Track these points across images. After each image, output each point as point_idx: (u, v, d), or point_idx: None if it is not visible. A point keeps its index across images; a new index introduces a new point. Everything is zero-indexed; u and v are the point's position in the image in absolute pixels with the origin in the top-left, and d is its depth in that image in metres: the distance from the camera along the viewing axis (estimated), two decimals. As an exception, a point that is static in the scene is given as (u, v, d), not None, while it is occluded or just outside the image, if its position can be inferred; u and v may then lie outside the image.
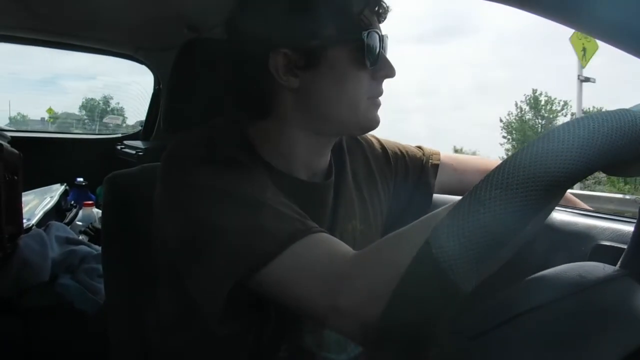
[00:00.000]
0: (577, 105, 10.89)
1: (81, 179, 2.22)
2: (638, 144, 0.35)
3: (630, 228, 0.78)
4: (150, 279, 0.85)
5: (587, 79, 10.52)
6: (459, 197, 0.35)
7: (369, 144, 1.00)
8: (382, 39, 0.78)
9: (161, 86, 2.37)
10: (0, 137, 1.77)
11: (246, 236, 0.65)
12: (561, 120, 23.92)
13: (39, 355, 1.49)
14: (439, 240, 0.32)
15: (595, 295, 0.43)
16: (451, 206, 0.35)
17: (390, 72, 0.79)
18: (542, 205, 0.32)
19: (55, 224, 1.74)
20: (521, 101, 25.21)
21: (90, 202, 2.04)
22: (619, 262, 0.49)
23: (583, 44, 9.82)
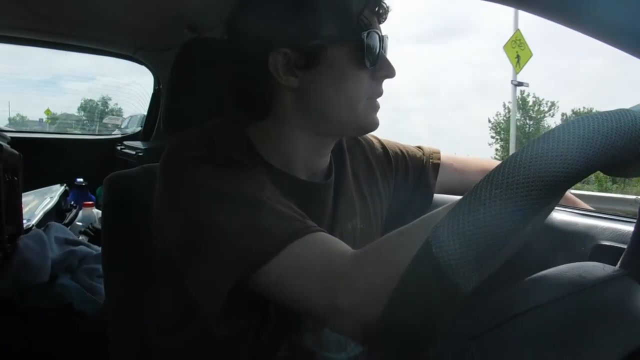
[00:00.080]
0: (513, 107, 11.87)
1: (81, 180, 2.22)
2: (638, 144, 0.35)
3: (630, 228, 0.78)
4: (150, 279, 0.85)
5: (520, 84, 11.30)
6: (459, 197, 0.35)
7: (369, 143, 1.00)
8: (382, 39, 0.78)
9: (161, 86, 2.37)
10: (0, 137, 1.77)
11: (245, 236, 0.65)
12: (549, 120, 24.78)
13: (39, 355, 1.49)
14: (439, 240, 0.32)
15: (595, 295, 0.43)
16: (451, 206, 0.35)
17: (390, 72, 0.79)
18: (543, 204, 0.32)
19: (54, 224, 1.74)
20: (509, 102, 25.41)
21: (90, 202, 2.05)
22: (619, 262, 0.49)
23: (517, 52, 10.19)
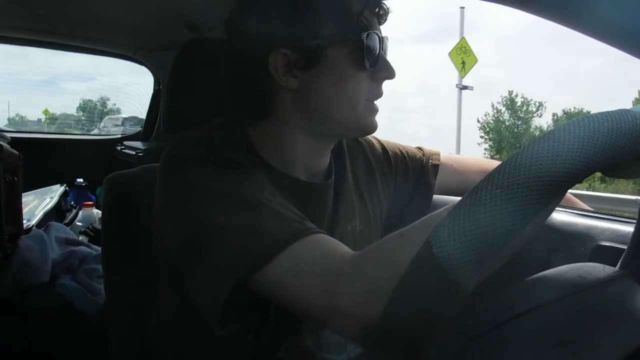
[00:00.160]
0: (457, 110, 12.27)
1: (81, 180, 2.22)
2: (638, 144, 0.35)
3: (630, 228, 0.78)
4: (150, 279, 0.85)
5: (465, 87, 11.98)
6: (459, 198, 0.35)
7: (369, 144, 1.00)
8: (382, 40, 0.77)
9: (161, 87, 2.37)
10: (0, 137, 1.77)
11: (245, 236, 0.65)
12: (537, 120, 25.19)
13: (39, 355, 1.49)
14: (439, 240, 0.32)
15: (595, 296, 0.43)
16: (452, 206, 0.35)
17: (389, 74, 0.79)
18: (543, 205, 0.32)
19: (55, 224, 1.74)
20: (497, 102, 26.19)
21: (90, 202, 2.05)
22: (619, 263, 0.49)
23: (462, 58, 10.66)
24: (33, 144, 2.41)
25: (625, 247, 0.50)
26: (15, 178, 1.60)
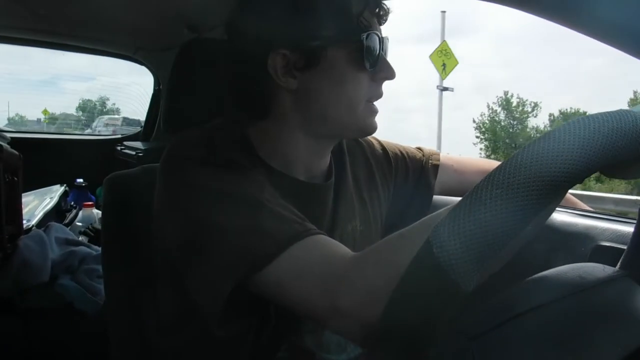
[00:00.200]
0: (438, 109, 12.82)
1: (81, 180, 2.22)
2: (638, 144, 0.35)
3: (630, 229, 0.78)
4: (150, 279, 0.85)
5: (445, 89, 12.46)
6: (460, 199, 0.35)
7: (369, 144, 1.00)
8: (382, 40, 0.77)
9: (161, 87, 2.37)
10: (0, 138, 1.77)
11: (245, 237, 0.65)
12: (533, 120, 25.55)
13: (39, 356, 1.49)
14: (439, 240, 0.32)
15: (595, 296, 0.43)
16: (452, 206, 0.35)
17: (389, 74, 0.79)
18: (543, 205, 0.32)
19: (54, 225, 1.74)
20: (493, 102, 26.58)
21: (90, 202, 2.05)
22: (619, 263, 0.49)
23: (443, 60, 10.93)
24: (33, 144, 2.41)
25: (625, 247, 0.50)
26: (15, 178, 1.60)
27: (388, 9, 0.80)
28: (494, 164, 1.11)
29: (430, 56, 11.26)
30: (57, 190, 2.05)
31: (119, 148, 2.37)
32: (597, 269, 0.46)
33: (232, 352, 0.78)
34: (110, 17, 1.79)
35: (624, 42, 0.65)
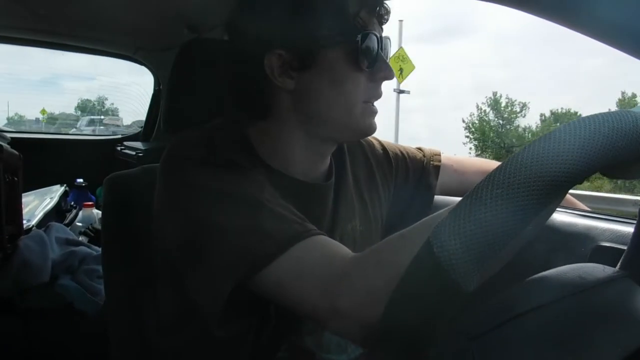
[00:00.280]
0: (395, 112, 13.65)
1: (81, 180, 2.22)
2: (638, 144, 0.35)
3: (630, 229, 0.78)
4: (150, 280, 0.85)
5: (402, 91, 13.24)
6: (460, 199, 0.35)
7: (370, 145, 1.00)
8: (380, 40, 0.77)
9: (161, 87, 2.37)
10: (0, 138, 1.77)
11: (245, 237, 0.65)
12: (520, 120, 26.17)
13: (39, 356, 1.49)
14: (440, 240, 0.32)
15: (596, 296, 0.43)
16: (452, 206, 0.35)
17: (388, 74, 0.78)
18: (544, 205, 0.32)
19: (55, 225, 1.74)
20: (482, 103, 27.12)
21: (90, 203, 2.05)
22: (618, 264, 0.49)
23: (400, 65, 11.35)
24: (33, 144, 2.41)
25: (625, 247, 0.50)
26: (15, 178, 1.60)
27: (388, 8, 0.80)
28: (494, 164, 1.11)
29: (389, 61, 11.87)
30: (57, 190, 2.05)
31: (119, 148, 2.37)
32: (597, 269, 0.46)
33: (232, 352, 0.78)
34: (110, 17, 1.79)
35: (624, 42, 0.65)
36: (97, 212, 2.00)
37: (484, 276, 0.37)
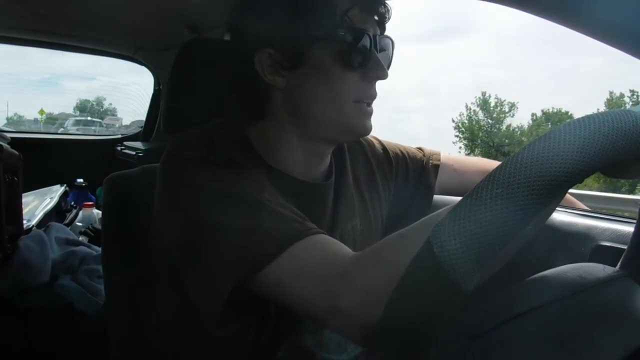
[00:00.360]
0: None
1: (81, 180, 2.22)
2: (638, 144, 0.35)
3: (630, 228, 0.78)
4: (150, 280, 0.85)
5: None
6: (460, 198, 0.35)
7: (370, 144, 1.00)
8: (373, 39, 0.76)
9: (161, 87, 2.37)
10: (0, 138, 1.77)
11: (245, 236, 0.65)
12: (509, 120, 26.45)
13: (39, 356, 1.49)
14: (440, 239, 0.32)
15: (596, 296, 0.43)
16: (452, 206, 0.35)
17: (380, 74, 0.77)
18: (544, 204, 0.32)
19: (55, 224, 1.74)
20: (471, 103, 27.42)
21: (90, 203, 2.04)
22: (619, 263, 0.49)
23: None
24: (33, 144, 2.41)
25: (625, 247, 0.50)
26: (15, 178, 1.60)
27: (388, 7, 0.79)
28: (494, 163, 1.11)
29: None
30: (57, 190, 2.05)
31: (119, 148, 2.37)
32: (597, 269, 0.46)
33: (232, 352, 0.78)
34: (110, 17, 1.79)
35: (624, 42, 0.65)
36: (97, 212, 2.00)
37: (484, 276, 0.37)
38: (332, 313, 0.60)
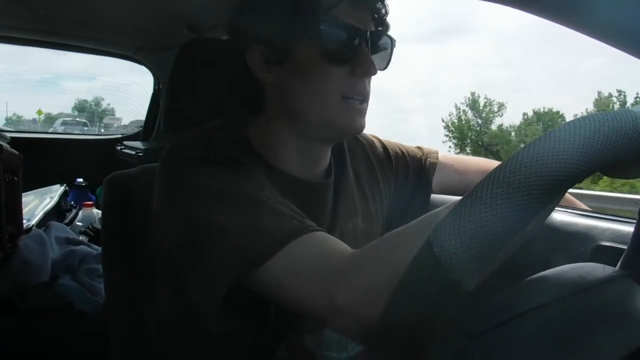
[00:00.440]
0: None
1: (81, 180, 2.22)
2: (638, 144, 0.35)
3: (630, 228, 0.78)
4: (150, 279, 0.85)
5: None
6: (460, 197, 0.35)
7: (370, 143, 1.00)
8: (361, 34, 0.75)
9: (161, 86, 2.37)
10: (0, 137, 1.77)
11: (244, 236, 0.64)
12: (498, 120, 27.07)
13: (39, 355, 1.49)
14: (440, 239, 0.32)
15: (596, 296, 0.43)
16: (452, 205, 0.35)
17: (368, 69, 0.76)
18: (544, 204, 0.32)
19: (55, 224, 1.74)
20: (461, 103, 27.94)
21: (90, 202, 2.05)
22: (619, 263, 0.49)
23: None
24: (33, 144, 2.41)
25: (625, 247, 0.50)
26: (15, 178, 1.60)
27: (382, 2, 0.79)
28: (494, 163, 1.11)
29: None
30: (57, 190, 2.05)
31: (119, 148, 2.37)
32: (597, 269, 0.46)
33: (232, 351, 0.78)
34: (110, 17, 1.79)
35: (624, 42, 0.65)
36: (97, 212, 2.00)
37: (484, 275, 0.37)
38: (331, 311, 0.59)
